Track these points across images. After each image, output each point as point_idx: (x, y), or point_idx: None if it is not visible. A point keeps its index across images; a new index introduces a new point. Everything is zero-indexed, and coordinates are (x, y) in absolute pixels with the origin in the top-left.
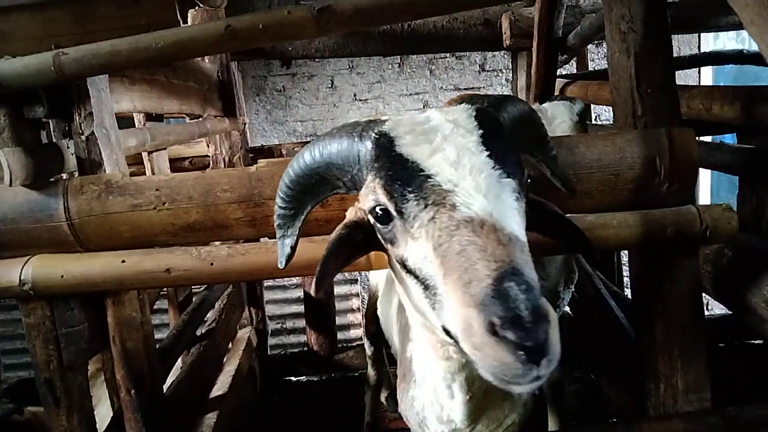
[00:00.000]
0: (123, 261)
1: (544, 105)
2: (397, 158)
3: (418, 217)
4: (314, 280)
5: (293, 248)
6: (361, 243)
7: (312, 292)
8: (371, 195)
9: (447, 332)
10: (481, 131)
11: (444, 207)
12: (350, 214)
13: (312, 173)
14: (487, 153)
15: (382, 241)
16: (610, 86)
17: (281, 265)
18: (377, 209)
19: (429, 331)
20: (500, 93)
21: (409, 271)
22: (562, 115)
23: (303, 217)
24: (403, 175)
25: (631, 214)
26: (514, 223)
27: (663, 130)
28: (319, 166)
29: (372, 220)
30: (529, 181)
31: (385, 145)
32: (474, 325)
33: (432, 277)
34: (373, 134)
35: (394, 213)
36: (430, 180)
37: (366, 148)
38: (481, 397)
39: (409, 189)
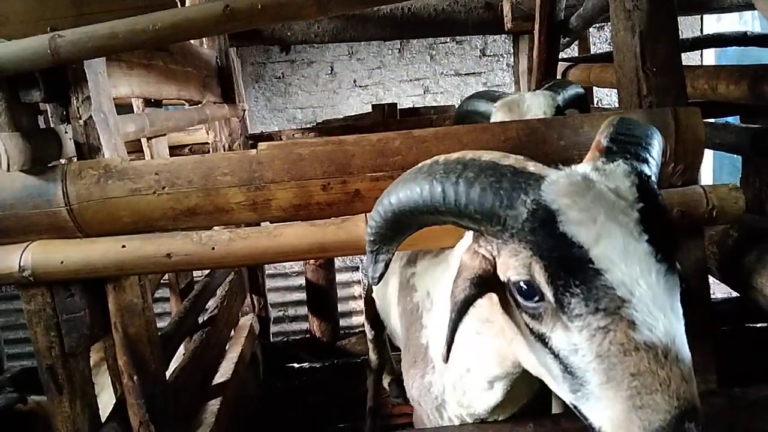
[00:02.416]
0: (123, 246)
1: (525, 95)
2: (561, 238)
3: (582, 317)
4: (445, 345)
5: (387, 266)
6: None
7: (442, 358)
8: (521, 268)
9: (583, 416)
10: (641, 205)
11: (621, 321)
12: (471, 263)
13: (432, 210)
14: (648, 238)
15: (514, 306)
16: (614, 66)
17: (375, 283)
18: (522, 283)
19: (505, 342)
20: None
21: (546, 345)
22: (538, 107)
23: (403, 239)
24: (569, 262)
25: None
26: (685, 337)
27: (669, 109)
28: (448, 209)
29: (512, 289)
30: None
31: (545, 220)
32: None
33: (583, 371)
34: (530, 203)
35: (551, 298)
36: (600, 278)
37: (519, 216)
38: (513, 391)
39: (576, 283)
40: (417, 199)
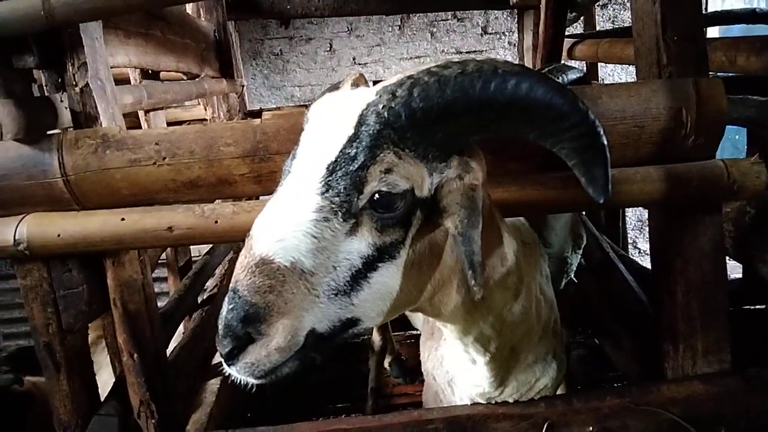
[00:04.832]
0: (122, 219)
1: None
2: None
3: None
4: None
5: None
6: None
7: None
8: None
9: None
10: (352, 132)
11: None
12: None
13: None
14: (333, 160)
15: None
16: (633, 34)
17: None
18: None
19: None
20: (504, 59)
21: None
22: None
23: None
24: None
25: (654, 169)
26: (288, 247)
27: (690, 80)
28: None
29: None
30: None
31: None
32: None
33: None
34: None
35: None
36: (282, 180)
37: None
38: (507, 357)
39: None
40: None
